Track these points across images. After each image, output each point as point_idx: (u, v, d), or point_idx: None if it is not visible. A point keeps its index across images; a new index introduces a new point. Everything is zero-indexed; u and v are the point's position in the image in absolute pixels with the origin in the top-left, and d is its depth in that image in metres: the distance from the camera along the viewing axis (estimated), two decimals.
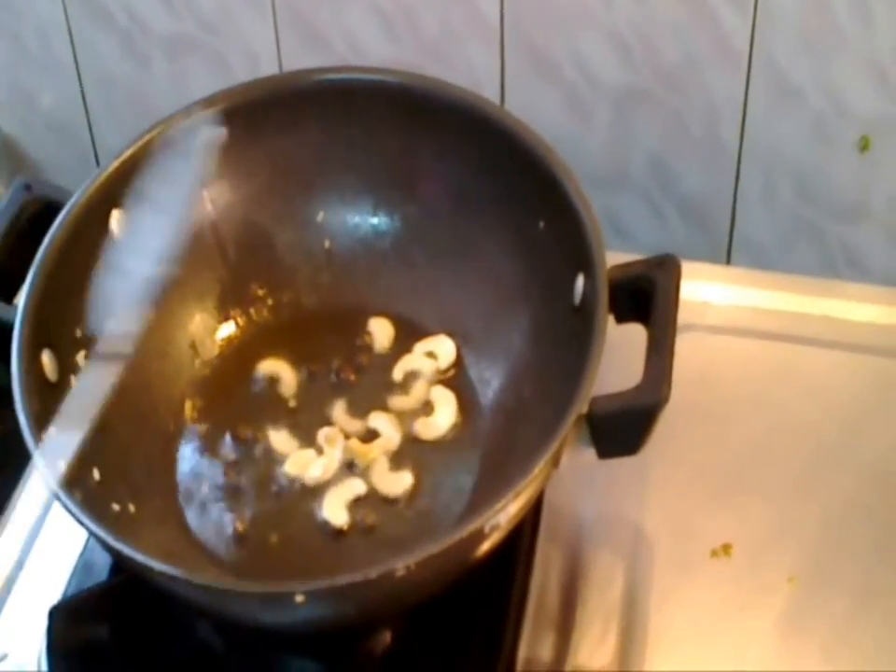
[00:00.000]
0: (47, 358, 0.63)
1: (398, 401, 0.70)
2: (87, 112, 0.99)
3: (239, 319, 0.74)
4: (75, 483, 0.59)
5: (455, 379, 0.71)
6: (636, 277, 0.64)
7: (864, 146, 0.85)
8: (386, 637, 0.65)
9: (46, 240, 0.64)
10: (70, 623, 0.63)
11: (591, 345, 0.60)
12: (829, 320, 0.80)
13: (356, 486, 0.67)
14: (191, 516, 0.67)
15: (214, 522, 0.67)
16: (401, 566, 0.54)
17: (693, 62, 0.85)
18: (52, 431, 0.60)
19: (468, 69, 0.89)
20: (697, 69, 0.85)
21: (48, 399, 0.61)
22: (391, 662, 0.64)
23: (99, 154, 1.01)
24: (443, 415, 0.69)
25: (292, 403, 0.71)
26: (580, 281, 0.64)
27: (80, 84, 0.97)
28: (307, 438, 0.69)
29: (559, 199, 0.66)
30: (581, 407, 0.59)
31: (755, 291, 0.82)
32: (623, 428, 0.60)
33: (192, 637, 0.65)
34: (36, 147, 1.02)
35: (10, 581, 0.70)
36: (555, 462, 0.59)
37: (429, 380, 0.71)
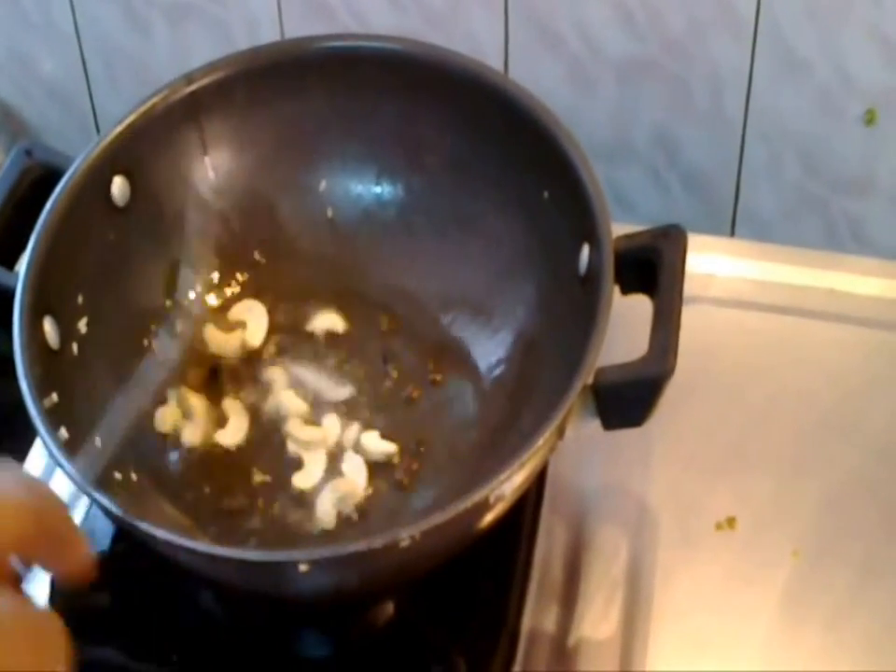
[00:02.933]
0: (48, 326, 0.62)
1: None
2: (87, 79, 0.98)
3: (239, 286, 0.73)
4: (77, 451, 0.58)
5: (459, 350, 0.71)
6: (641, 248, 0.63)
7: (870, 119, 0.85)
8: (389, 608, 0.65)
9: (47, 206, 0.64)
10: (71, 592, 0.63)
11: (596, 316, 0.59)
12: (833, 293, 0.79)
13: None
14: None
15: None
16: (406, 535, 0.54)
17: (699, 31, 0.84)
18: (54, 398, 0.60)
19: (471, 39, 0.88)
20: (702, 39, 0.85)
21: (50, 366, 0.61)
22: (394, 633, 0.64)
23: (99, 121, 1.00)
24: None
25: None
26: (585, 251, 0.64)
27: (80, 50, 0.96)
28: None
29: (564, 169, 0.65)
30: (587, 377, 0.58)
31: (759, 264, 0.81)
32: (629, 399, 0.60)
33: (195, 607, 0.65)
34: (36, 114, 1.01)
35: None
36: (560, 433, 0.59)
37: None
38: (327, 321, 0.72)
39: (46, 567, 0.43)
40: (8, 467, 0.43)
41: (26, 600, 0.42)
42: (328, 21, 0.89)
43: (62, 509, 0.44)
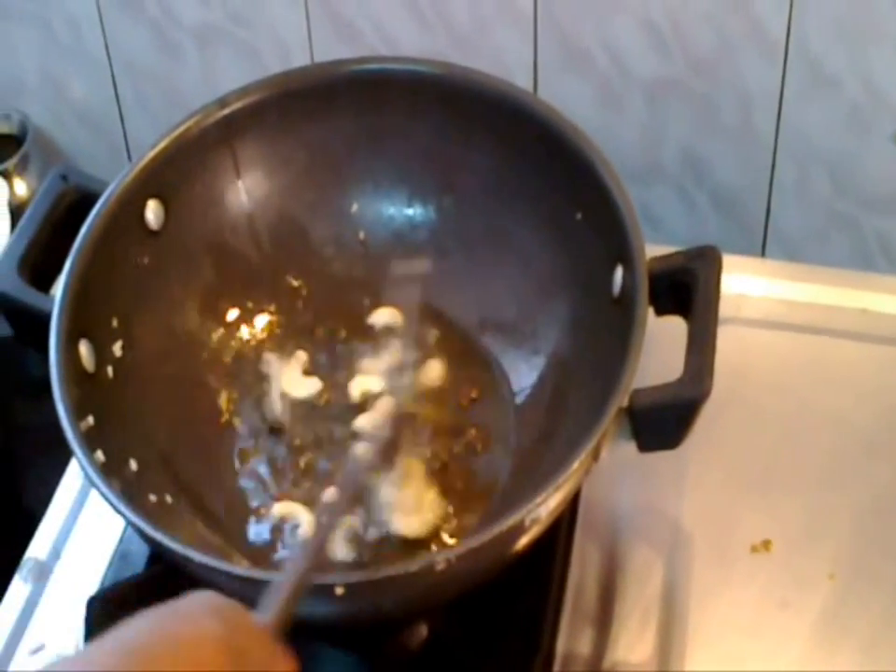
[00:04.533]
0: (84, 349, 0.63)
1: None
2: (118, 102, 0.99)
3: (273, 310, 0.73)
4: (113, 474, 0.59)
5: (492, 371, 0.71)
6: (676, 269, 0.63)
7: None
8: (423, 630, 0.64)
9: (82, 231, 0.64)
10: (108, 613, 0.63)
11: (631, 337, 0.59)
12: (865, 313, 0.79)
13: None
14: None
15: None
16: (441, 559, 0.54)
17: (728, 50, 0.84)
18: (90, 421, 0.60)
19: (499, 59, 0.88)
20: (732, 58, 0.85)
21: (86, 389, 0.61)
22: (427, 655, 0.64)
23: (130, 144, 1.01)
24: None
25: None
26: (618, 272, 0.64)
27: (112, 74, 0.97)
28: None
29: (596, 189, 0.65)
30: (622, 400, 0.58)
31: (791, 284, 0.81)
32: (665, 422, 0.60)
33: None
34: (67, 138, 1.02)
35: (48, 571, 0.70)
36: (595, 455, 0.58)
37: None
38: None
39: None
40: (206, 596, 0.42)
41: None
42: (356, 43, 0.90)
43: (259, 635, 0.43)
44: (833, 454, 0.72)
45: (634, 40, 0.85)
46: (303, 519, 0.66)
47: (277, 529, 0.66)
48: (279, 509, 0.67)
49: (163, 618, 0.41)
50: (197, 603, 0.43)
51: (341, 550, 0.64)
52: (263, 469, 0.68)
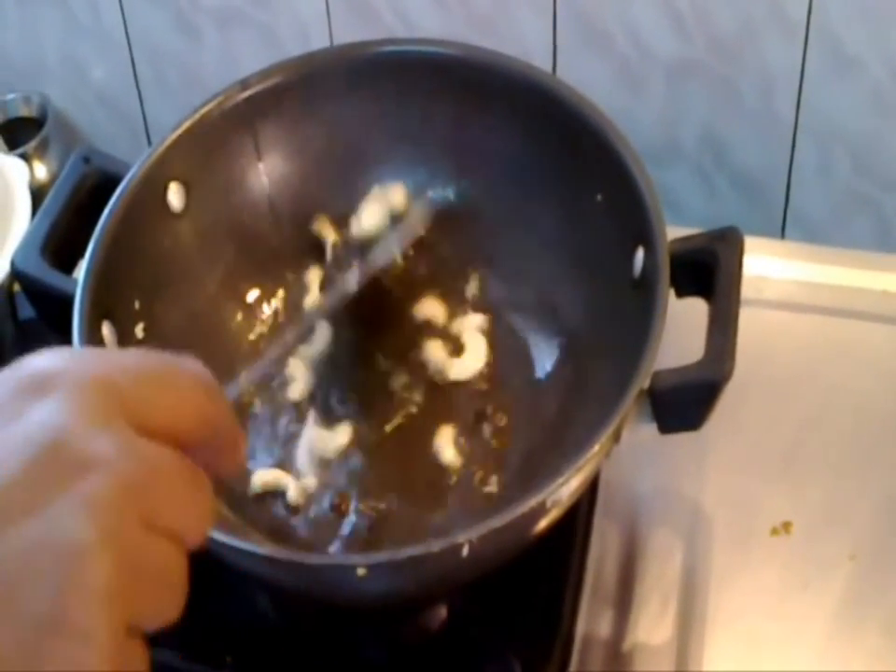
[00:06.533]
0: (107, 330, 0.63)
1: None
2: (137, 84, 0.99)
3: (293, 291, 0.73)
4: None
5: (514, 353, 0.71)
6: (697, 250, 0.63)
7: None
8: (443, 612, 0.65)
9: (105, 213, 0.64)
10: None
11: (652, 319, 0.59)
12: (886, 295, 0.79)
13: None
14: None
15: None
16: (464, 539, 0.54)
17: (749, 31, 0.84)
18: None
19: (519, 40, 0.88)
20: (752, 39, 0.84)
21: None
22: (448, 636, 0.64)
23: (149, 126, 1.01)
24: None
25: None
26: (639, 254, 0.64)
27: (131, 56, 0.97)
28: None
29: (617, 171, 0.65)
30: (643, 381, 0.58)
31: (812, 266, 0.81)
32: (686, 403, 0.60)
33: (249, 608, 0.66)
34: (87, 120, 1.02)
35: None
36: (617, 437, 0.58)
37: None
38: None
39: (206, 464, 0.40)
40: (191, 362, 0.41)
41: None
42: (375, 24, 0.90)
43: (229, 409, 0.42)
44: (855, 435, 0.72)
45: (653, 21, 0.85)
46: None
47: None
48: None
49: (165, 358, 0.40)
50: (192, 363, 0.41)
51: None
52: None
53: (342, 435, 0.68)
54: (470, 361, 0.70)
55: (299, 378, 0.70)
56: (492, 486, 0.66)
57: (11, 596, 0.34)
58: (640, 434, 0.61)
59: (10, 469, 0.35)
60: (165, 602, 0.38)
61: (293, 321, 0.72)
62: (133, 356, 0.41)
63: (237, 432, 0.43)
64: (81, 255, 0.64)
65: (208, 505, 0.40)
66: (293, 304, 0.73)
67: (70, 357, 0.39)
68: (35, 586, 0.34)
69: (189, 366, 0.40)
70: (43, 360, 0.38)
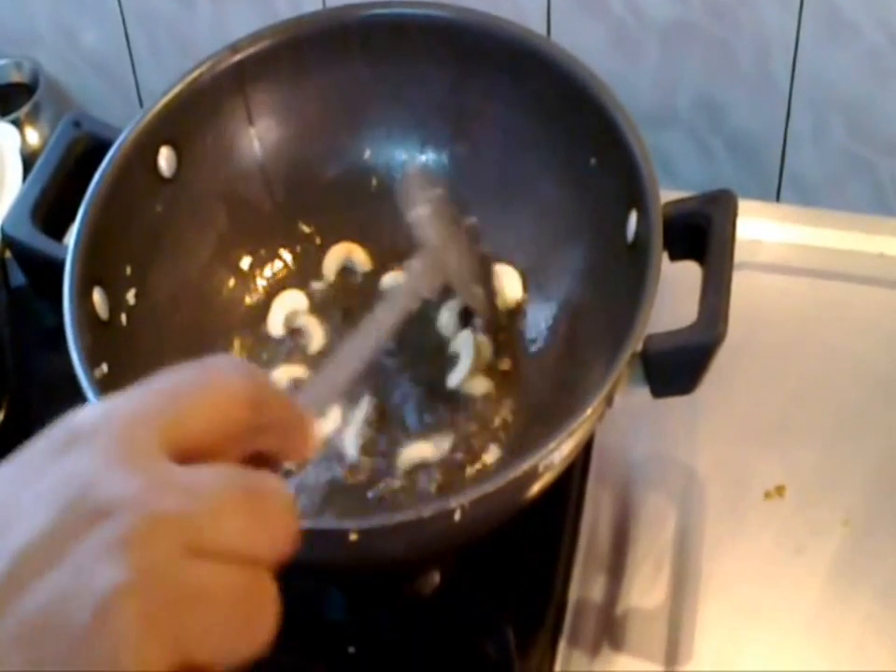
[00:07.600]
0: (98, 296, 0.63)
1: None
2: (129, 50, 0.98)
3: (286, 257, 0.73)
4: None
5: (507, 317, 0.70)
6: (690, 213, 0.62)
7: None
8: (435, 577, 0.65)
9: (95, 178, 0.64)
10: None
11: (645, 283, 0.59)
12: (882, 258, 0.78)
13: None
14: None
15: None
16: (455, 504, 0.54)
17: None
18: (104, 369, 0.60)
19: (513, 4, 0.87)
20: (748, 1, 0.83)
21: (99, 337, 0.61)
22: (440, 602, 0.65)
23: (142, 92, 1.00)
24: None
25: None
26: (633, 218, 0.63)
27: (123, 22, 0.96)
28: None
29: (611, 135, 0.64)
30: (636, 345, 0.58)
31: (807, 229, 0.81)
32: (679, 367, 0.59)
33: None
34: (79, 86, 1.01)
35: None
36: (609, 401, 0.58)
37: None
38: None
39: (278, 452, 0.39)
40: (221, 358, 0.40)
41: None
42: None
43: (280, 394, 0.40)
44: (849, 399, 0.72)
45: None
46: None
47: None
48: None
49: (191, 367, 0.40)
50: (223, 360, 0.41)
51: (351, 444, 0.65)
52: None
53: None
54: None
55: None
56: (489, 455, 0.66)
57: (41, 657, 0.32)
58: (633, 399, 0.61)
59: (36, 524, 0.34)
60: (235, 631, 0.34)
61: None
62: (158, 381, 0.38)
63: (297, 412, 0.40)
64: (72, 221, 0.63)
65: (279, 514, 0.36)
66: (288, 270, 0.73)
67: (100, 406, 0.37)
68: (59, 639, 0.32)
69: (219, 363, 0.39)
70: (75, 416, 0.37)
